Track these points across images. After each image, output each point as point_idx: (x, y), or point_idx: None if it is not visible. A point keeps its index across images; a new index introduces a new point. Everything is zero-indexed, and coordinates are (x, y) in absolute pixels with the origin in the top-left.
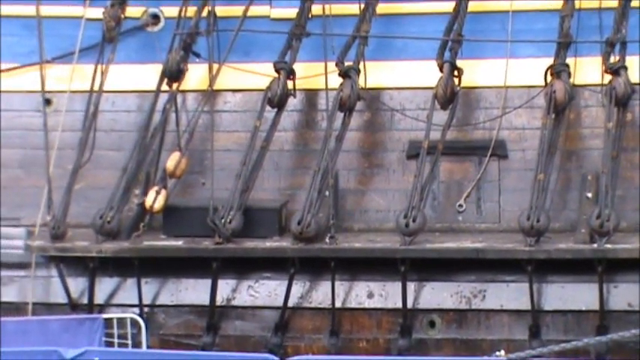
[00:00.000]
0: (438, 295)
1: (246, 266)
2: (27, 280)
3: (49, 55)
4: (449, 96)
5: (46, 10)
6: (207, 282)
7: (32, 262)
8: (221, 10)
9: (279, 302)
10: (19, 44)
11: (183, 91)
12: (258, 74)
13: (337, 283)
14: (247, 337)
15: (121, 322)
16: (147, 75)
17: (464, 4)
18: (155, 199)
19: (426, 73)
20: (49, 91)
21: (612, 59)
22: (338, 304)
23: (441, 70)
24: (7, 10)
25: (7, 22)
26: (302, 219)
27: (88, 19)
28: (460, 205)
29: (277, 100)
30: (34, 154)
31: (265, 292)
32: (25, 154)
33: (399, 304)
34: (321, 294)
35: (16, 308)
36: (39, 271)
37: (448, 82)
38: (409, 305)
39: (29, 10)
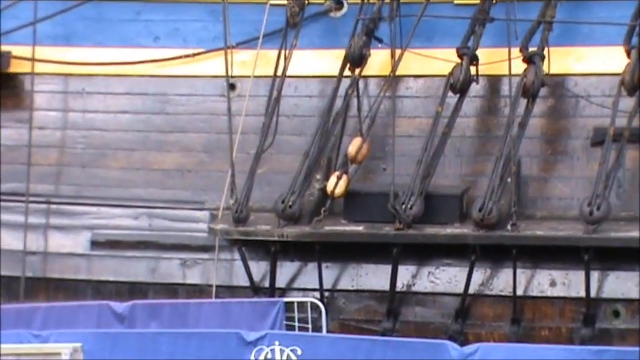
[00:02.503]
0: (622, 284)
1: (426, 252)
2: (210, 262)
3: (234, 41)
4: (636, 82)
5: None
6: (388, 267)
7: (216, 245)
8: None
9: (460, 289)
10: (204, 30)
11: (365, 77)
12: (441, 60)
13: (519, 271)
14: (427, 324)
15: (302, 306)
16: (329, 60)
17: None
18: (336, 184)
19: (612, 60)
20: (234, 76)
21: None
22: (519, 292)
23: (628, 56)
24: None
25: (193, 8)
26: (483, 205)
27: (272, 5)
28: None
29: (460, 85)
30: (218, 139)
31: (446, 278)
32: (209, 138)
33: (582, 293)
34: (502, 281)
35: (199, 290)
36: (222, 254)
37: (635, 69)
38: (592, 294)
39: None
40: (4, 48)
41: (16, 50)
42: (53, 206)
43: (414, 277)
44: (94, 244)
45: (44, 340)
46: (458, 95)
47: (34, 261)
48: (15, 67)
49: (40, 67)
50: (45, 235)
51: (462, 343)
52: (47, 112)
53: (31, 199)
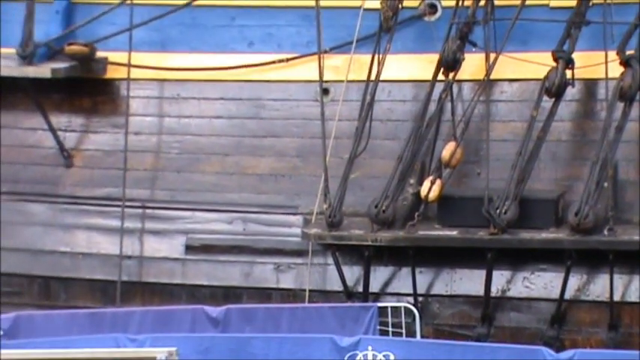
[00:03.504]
0: None
1: (521, 257)
2: (304, 267)
3: (327, 45)
4: None
5: (325, 0)
6: (482, 272)
7: (309, 249)
8: None
9: (555, 294)
10: (298, 35)
11: (459, 81)
12: (536, 63)
13: (615, 276)
14: (522, 329)
15: (395, 310)
16: (423, 65)
17: None
18: (430, 189)
19: None
20: (327, 81)
21: None
22: (616, 298)
23: None
24: (287, 1)
25: (287, 13)
26: (579, 210)
27: (366, 9)
28: None
29: (555, 89)
30: (312, 143)
31: (541, 283)
32: (302, 143)
33: None
34: (598, 287)
35: (293, 295)
36: (315, 259)
37: None
38: None
39: (308, 1)
40: (101, 54)
41: (112, 56)
42: (148, 211)
43: (508, 282)
44: (189, 248)
45: (140, 344)
46: (553, 99)
47: (129, 265)
48: (111, 72)
49: (135, 73)
50: (140, 239)
51: (558, 349)
52: (143, 118)
53: (127, 203)
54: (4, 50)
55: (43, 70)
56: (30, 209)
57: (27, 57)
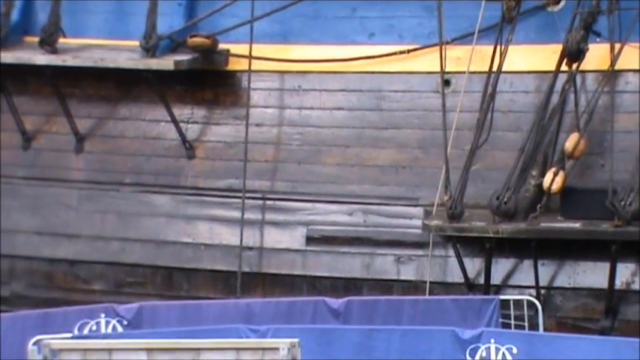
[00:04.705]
0: None
1: None
2: (424, 259)
3: (449, 36)
4: None
5: None
6: (606, 265)
7: (430, 241)
8: None
9: None
10: (419, 26)
11: (583, 72)
12: None
13: None
14: None
15: (517, 303)
16: (545, 55)
17: None
18: (553, 181)
19: None
20: (448, 72)
21: None
22: None
23: None
24: None
25: (408, 4)
26: None
27: (488, 0)
28: None
29: None
30: (433, 135)
31: None
32: (424, 134)
33: None
34: None
35: (413, 286)
36: (436, 251)
37: None
38: None
39: None
40: (223, 46)
41: (234, 48)
42: (269, 202)
43: (633, 274)
44: (310, 239)
45: (262, 334)
46: None
47: (250, 256)
48: (233, 64)
49: (256, 65)
50: (261, 230)
51: None
52: (264, 109)
53: (248, 195)
54: (128, 43)
55: (166, 63)
56: (153, 200)
57: (150, 49)
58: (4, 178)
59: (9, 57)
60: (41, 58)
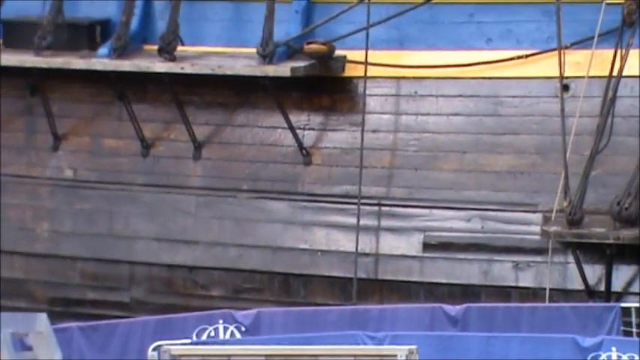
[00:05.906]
0: None
1: None
2: (543, 265)
3: (568, 41)
4: None
5: None
6: None
7: (549, 247)
8: None
9: None
10: (538, 30)
11: None
12: None
13: None
14: None
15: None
16: None
17: None
18: None
19: None
20: (567, 77)
21: None
22: None
23: None
24: None
25: (527, 8)
26: None
27: (608, 4)
28: None
29: None
30: (552, 140)
31: None
32: (542, 140)
33: None
34: None
35: (532, 293)
36: (555, 257)
37: None
38: None
39: None
40: (339, 52)
41: (350, 54)
42: (385, 208)
43: None
44: (426, 246)
45: (379, 341)
46: None
47: (366, 262)
48: (349, 71)
49: (373, 71)
50: (377, 236)
51: None
52: (380, 115)
53: (363, 201)
54: (245, 50)
55: (283, 69)
56: (270, 207)
57: (267, 56)
58: (124, 185)
59: (128, 65)
60: (160, 66)
